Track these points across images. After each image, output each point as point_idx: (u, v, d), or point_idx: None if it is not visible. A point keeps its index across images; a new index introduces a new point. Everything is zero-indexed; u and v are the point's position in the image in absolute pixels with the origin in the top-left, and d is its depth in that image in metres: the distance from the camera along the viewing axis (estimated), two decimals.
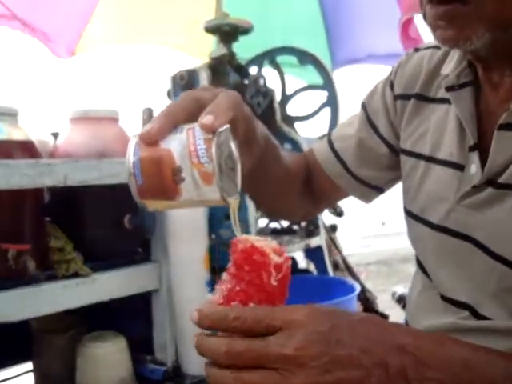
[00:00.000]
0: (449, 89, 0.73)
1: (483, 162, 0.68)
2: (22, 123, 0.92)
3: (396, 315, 1.56)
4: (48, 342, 1.02)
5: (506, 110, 0.65)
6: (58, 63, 1.99)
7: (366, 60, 2.21)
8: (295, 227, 1.49)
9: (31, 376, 1.07)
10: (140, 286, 1.01)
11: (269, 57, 1.53)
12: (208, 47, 2.05)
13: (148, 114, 1.13)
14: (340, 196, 0.96)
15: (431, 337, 0.52)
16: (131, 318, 1.08)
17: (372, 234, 6.38)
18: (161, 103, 1.22)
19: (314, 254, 1.48)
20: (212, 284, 1.04)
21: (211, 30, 1.38)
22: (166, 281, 1.03)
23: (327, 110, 1.49)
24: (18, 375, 1.11)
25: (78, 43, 2.06)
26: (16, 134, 0.89)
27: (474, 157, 0.69)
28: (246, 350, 0.47)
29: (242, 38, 1.41)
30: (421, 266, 0.82)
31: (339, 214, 1.57)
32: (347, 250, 1.95)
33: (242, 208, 1.14)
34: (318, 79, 1.51)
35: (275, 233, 1.50)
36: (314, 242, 1.43)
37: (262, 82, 1.39)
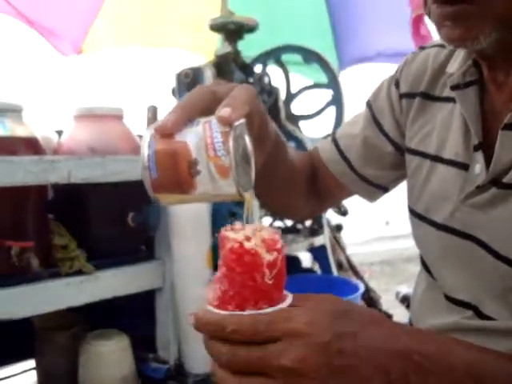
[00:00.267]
0: (454, 88, 0.73)
1: (488, 161, 0.67)
2: (26, 120, 0.92)
3: (400, 315, 1.56)
4: (51, 339, 1.02)
5: (511, 109, 0.65)
6: (63, 60, 1.99)
7: (375, 58, 2.20)
8: (299, 226, 1.48)
9: (34, 373, 1.06)
10: (143, 284, 1.00)
11: (274, 55, 1.52)
12: (213, 46, 2.05)
13: (152, 111, 1.13)
14: (344, 195, 0.96)
15: (437, 340, 0.52)
16: (134, 316, 1.08)
17: (376, 233, 6.37)
18: (165, 101, 1.22)
19: (317, 253, 1.47)
20: None
21: (216, 28, 1.38)
22: (169, 279, 1.03)
23: (332, 109, 1.49)
24: (21, 373, 1.11)
25: (84, 41, 2.06)
26: (20, 131, 0.88)
27: (479, 156, 0.69)
28: (245, 360, 0.46)
29: (247, 36, 1.40)
30: (425, 265, 0.81)
31: (343, 213, 1.56)
32: (350, 250, 1.94)
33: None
34: (322, 78, 1.50)
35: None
36: (318, 241, 1.43)
37: (266, 80, 1.39)
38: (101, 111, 1.01)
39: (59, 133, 1.08)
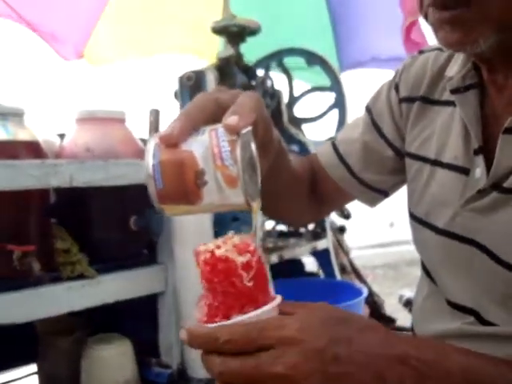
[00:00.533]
0: (454, 91, 0.72)
1: (488, 165, 0.67)
2: (28, 123, 0.91)
3: (403, 319, 1.55)
4: (53, 343, 1.01)
5: None
6: (65, 64, 1.99)
7: (370, 63, 2.20)
8: (302, 230, 1.48)
9: (36, 378, 1.06)
10: (145, 288, 1.00)
11: (276, 58, 1.52)
12: (215, 49, 2.04)
13: (155, 115, 1.12)
14: (345, 200, 0.96)
15: (435, 347, 0.51)
16: (136, 321, 1.07)
17: (380, 236, 6.36)
18: (168, 104, 1.22)
19: (321, 256, 1.47)
20: None
21: (219, 30, 1.37)
22: (171, 283, 1.03)
23: (335, 112, 1.48)
24: (23, 377, 1.10)
25: (85, 46, 2.06)
26: (22, 135, 0.88)
27: (479, 161, 0.68)
28: (238, 370, 0.46)
29: (249, 40, 1.40)
30: (426, 270, 0.81)
31: (347, 216, 1.56)
32: (353, 253, 1.94)
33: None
34: (325, 81, 1.50)
35: (282, 235, 1.49)
36: (321, 244, 1.42)
37: (269, 83, 1.38)
38: (103, 114, 1.01)
39: (61, 136, 1.08)
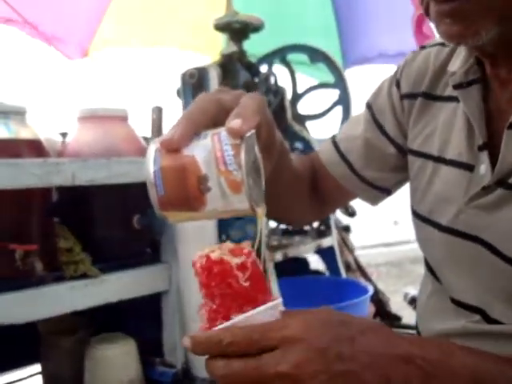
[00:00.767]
0: (456, 87, 0.71)
1: (493, 161, 0.66)
2: (30, 122, 0.91)
3: (408, 317, 1.54)
4: (56, 343, 1.01)
5: None
6: (67, 62, 1.99)
7: (377, 59, 2.19)
8: (307, 228, 1.47)
9: (40, 378, 1.05)
10: (149, 288, 0.99)
11: (279, 54, 1.51)
12: (218, 46, 2.04)
13: (157, 112, 1.12)
14: (347, 198, 0.95)
15: (439, 346, 0.51)
16: (140, 320, 1.07)
17: (385, 234, 6.35)
18: (170, 102, 1.21)
19: (325, 254, 1.46)
20: None
21: (221, 27, 1.36)
22: (175, 282, 1.02)
23: (339, 109, 1.47)
24: (27, 377, 1.10)
25: (90, 45, 2.05)
26: (24, 133, 0.88)
27: (484, 157, 0.67)
28: (241, 372, 0.45)
29: (253, 37, 1.39)
30: (429, 268, 0.80)
31: (351, 213, 1.55)
32: (357, 251, 1.93)
33: None
34: (329, 77, 1.49)
35: (286, 233, 1.48)
36: (326, 242, 1.41)
37: (272, 80, 1.37)
38: (105, 113, 1.00)
39: (63, 135, 1.07)
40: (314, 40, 1.54)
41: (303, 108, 1.51)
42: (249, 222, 1.07)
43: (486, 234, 0.66)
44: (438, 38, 0.79)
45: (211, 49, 2.15)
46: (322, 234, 1.43)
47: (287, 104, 1.42)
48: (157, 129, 1.09)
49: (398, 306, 1.90)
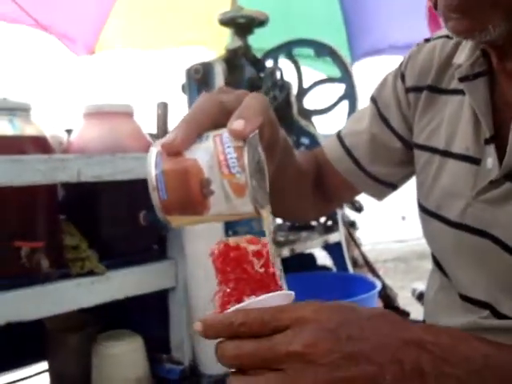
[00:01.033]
0: (462, 79, 0.71)
1: (500, 155, 0.65)
2: (35, 119, 0.90)
3: (416, 312, 1.53)
4: (62, 341, 1.00)
5: None
6: (72, 58, 1.99)
7: (388, 51, 2.18)
8: (314, 223, 1.46)
9: (47, 376, 1.05)
10: (156, 284, 0.99)
11: (285, 49, 1.50)
12: (223, 41, 2.03)
13: (163, 108, 1.11)
14: (352, 194, 0.94)
15: (451, 333, 0.50)
16: (147, 317, 1.06)
17: (392, 229, 6.34)
18: (175, 97, 1.20)
19: (333, 250, 1.45)
20: None
21: (226, 22, 1.36)
22: (182, 278, 1.02)
23: (345, 103, 1.46)
24: (34, 375, 1.10)
25: (96, 42, 2.05)
26: (29, 130, 0.87)
27: (491, 150, 0.66)
28: (253, 352, 0.45)
29: (258, 31, 1.38)
30: (437, 263, 0.79)
31: (358, 209, 1.54)
32: (364, 246, 1.92)
33: None
34: (335, 72, 1.48)
35: (293, 229, 1.48)
36: (333, 238, 1.41)
37: (278, 74, 1.36)
38: (111, 109, 0.99)
39: (69, 132, 1.07)
40: (319, 34, 1.54)
41: (309, 103, 1.50)
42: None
43: (494, 229, 0.66)
44: (443, 29, 0.79)
45: (216, 44, 2.14)
46: (329, 229, 1.43)
47: (293, 99, 1.41)
48: (162, 124, 1.09)
49: (405, 301, 1.90)
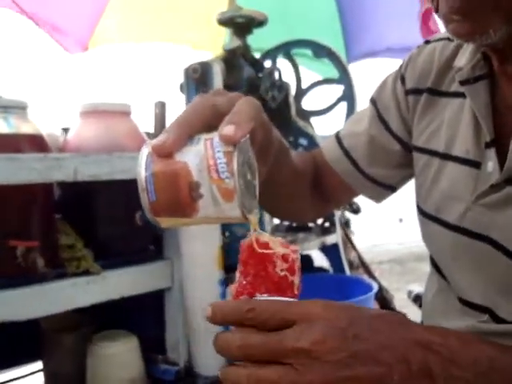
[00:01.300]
0: (463, 82, 0.70)
1: (501, 159, 0.65)
2: (31, 117, 0.90)
3: (412, 314, 1.53)
4: (57, 340, 1.00)
5: None
6: (69, 56, 1.98)
7: (384, 53, 2.18)
8: (311, 224, 1.46)
9: (41, 375, 1.05)
10: (152, 284, 0.99)
11: (284, 50, 1.50)
12: (221, 41, 2.03)
13: (160, 107, 1.10)
14: (350, 195, 0.94)
15: (458, 335, 0.49)
16: (143, 317, 1.06)
17: (389, 231, 6.35)
18: (173, 97, 1.20)
19: (330, 251, 1.45)
20: (225, 282, 1.02)
21: (224, 22, 1.35)
22: (178, 279, 1.01)
23: (343, 105, 1.46)
24: (28, 374, 1.09)
25: (90, 38, 2.04)
26: (25, 128, 0.86)
27: (491, 154, 0.66)
28: (259, 344, 0.45)
29: (257, 32, 1.38)
30: (436, 266, 0.79)
31: (355, 210, 1.54)
32: (360, 248, 1.92)
33: None
34: (333, 73, 1.48)
35: (290, 230, 1.47)
36: (330, 239, 1.40)
37: (276, 74, 1.36)
38: (108, 107, 0.99)
39: (65, 130, 1.06)
40: (317, 34, 1.53)
41: (307, 104, 1.50)
42: None
43: (494, 233, 0.66)
44: (443, 32, 0.78)
45: (214, 44, 2.14)
46: (326, 230, 1.42)
47: (291, 99, 1.41)
48: (160, 124, 1.08)
49: (400, 303, 1.89)
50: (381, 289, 1.54)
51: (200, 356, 1.02)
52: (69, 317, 0.94)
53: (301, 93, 1.50)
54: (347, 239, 1.67)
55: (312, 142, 1.38)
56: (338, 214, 1.46)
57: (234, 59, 1.28)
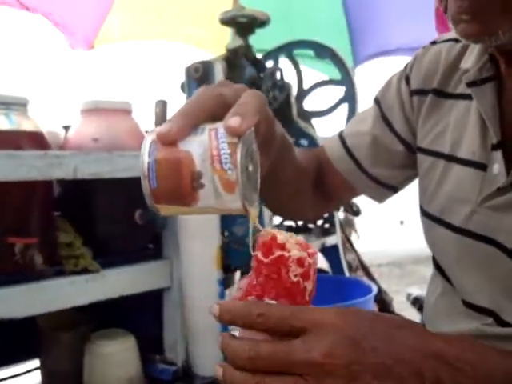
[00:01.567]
0: (470, 84, 0.70)
1: (507, 161, 0.64)
2: (32, 114, 0.89)
3: (411, 317, 1.53)
4: (55, 339, 0.99)
5: None
6: (71, 54, 1.98)
7: (395, 52, 2.16)
8: (311, 225, 1.45)
9: (38, 373, 1.04)
10: (150, 283, 0.98)
11: (286, 50, 1.50)
12: (224, 40, 2.03)
13: (161, 106, 1.10)
14: (351, 195, 0.94)
15: (473, 347, 0.49)
16: (141, 316, 1.06)
17: (390, 233, 6.34)
18: (174, 95, 1.19)
19: (329, 253, 1.44)
20: (224, 282, 1.01)
21: (227, 21, 1.35)
22: (177, 278, 1.01)
23: (345, 106, 1.46)
24: (25, 372, 1.09)
25: (96, 37, 2.04)
26: (25, 125, 0.86)
27: (498, 156, 0.66)
28: (269, 355, 0.44)
29: (259, 32, 1.37)
30: (439, 268, 0.78)
31: (356, 212, 1.53)
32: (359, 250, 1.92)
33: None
34: (336, 74, 1.47)
35: (290, 231, 1.47)
36: (330, 240, 1.40)
37: (278, 75, 1.35)
38: (109, 105, 0.99)
39: (66, 128, 1.06)
40: (322, 35, 1.53)
41: (309, 104, 1.50)
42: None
43: (499, 235, 0.65)
44: (450, 33, 0.78)
45: (218, 43, 2.14)
46: (326, 232, 1.42)
47: (293, 100, 1.41)
48: (160, 122, 1.08)
49: (400, 306, 1.89)
50: (380, 291, 1.53)
51: (198, 356, 1.01)
52: (67, 315, 0.94)
53: (302, 93, 1.49)
54: (347, 241, 1.66)
55: (313, 142, 1.38)
56: (338, 215, 1.45)
57: (235, 59, 1.27)
